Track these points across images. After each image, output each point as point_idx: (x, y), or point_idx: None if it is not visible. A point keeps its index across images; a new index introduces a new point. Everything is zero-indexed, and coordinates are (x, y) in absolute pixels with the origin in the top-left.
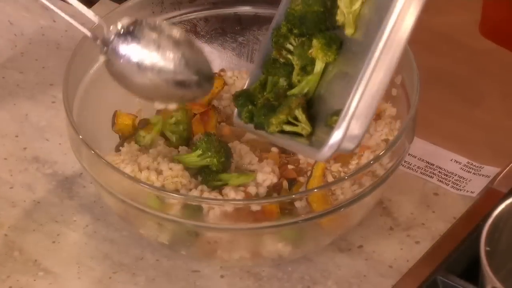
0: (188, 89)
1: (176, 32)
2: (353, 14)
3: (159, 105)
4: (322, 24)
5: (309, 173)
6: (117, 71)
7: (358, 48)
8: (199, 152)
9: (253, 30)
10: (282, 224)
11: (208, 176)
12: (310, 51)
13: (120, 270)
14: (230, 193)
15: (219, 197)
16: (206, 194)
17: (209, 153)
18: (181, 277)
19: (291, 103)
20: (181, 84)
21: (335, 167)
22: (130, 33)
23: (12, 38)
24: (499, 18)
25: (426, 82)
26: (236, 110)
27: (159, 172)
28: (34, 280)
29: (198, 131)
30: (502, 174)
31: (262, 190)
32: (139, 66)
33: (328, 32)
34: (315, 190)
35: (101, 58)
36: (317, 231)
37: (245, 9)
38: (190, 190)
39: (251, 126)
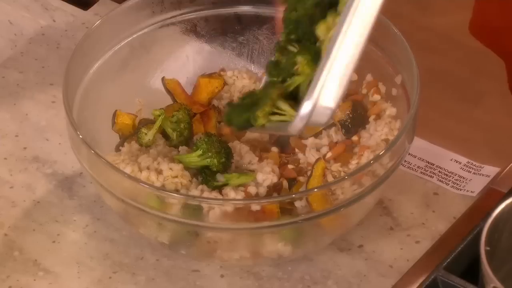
0: None
1: None
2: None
3: None
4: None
5: (309, 173)
6: None
7: None
8: (199, 152)
9: (253, 29)
10: (282, 224)
11: (209, 176)
12: (296, 67)
13: (120, 270)
14: (230, 193)
15: (219, 197)
16: (206, 194)
17: (210, 154)
18: (181, 277)
19: (271, 94)
20: None
21: (335, 167)
22: None
23: (12, 38)
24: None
25: (426, 82)
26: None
27: (159, 172)
28: (34, 280)
29: (198, 131)
30: (502, 174)
31: (262, 190)
32: None
33: (314, 45)
34: (315, 190)
35: None
36: (317, 231)
37: (245, 9)
38: (190, 190)
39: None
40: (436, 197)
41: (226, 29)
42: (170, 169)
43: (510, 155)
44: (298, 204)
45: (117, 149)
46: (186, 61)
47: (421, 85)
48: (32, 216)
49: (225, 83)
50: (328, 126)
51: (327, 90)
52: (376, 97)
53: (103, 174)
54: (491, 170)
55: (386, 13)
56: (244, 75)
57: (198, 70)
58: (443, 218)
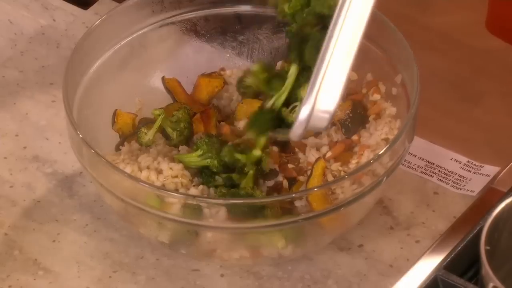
0: None
1: None
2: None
3: None
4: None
5: (309, 172)
6: None
7: None
8: (199, 152)
9: (253, 29)
10: (282, 223)
11: (209, 177)
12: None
13: (120, 269)
14: None
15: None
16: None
17: (210, 154)
18: (181, 276)
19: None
20: None
21: (335, 166)
22: None
23: (12, 37)
24: (507, 16)
25: (426, 82)
26: None
27: (159, 172)
28: (34, 279)
29: (198, 130)
30: (502, 173)
31: (263, 189)
32: None
33: None
34: (315, 189)
35: None
36: (317, 230)
37: (245, 8)
38: (190, 189)
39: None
40: (436, 197)
41: (226, 29)
42: (170, 168)
43: (510, 154)
44: (298, 203)
45: (117, 149)
46: (186, 60)
47: (421, 85)
48: (32, 216)
49: (225, 83)
50: None
51: (324, 93)
52: (376, 96)
53: (103, 174)
54: (491, 170)
55: (386, 12)
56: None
57: (198, 70)
58: (443, 217)
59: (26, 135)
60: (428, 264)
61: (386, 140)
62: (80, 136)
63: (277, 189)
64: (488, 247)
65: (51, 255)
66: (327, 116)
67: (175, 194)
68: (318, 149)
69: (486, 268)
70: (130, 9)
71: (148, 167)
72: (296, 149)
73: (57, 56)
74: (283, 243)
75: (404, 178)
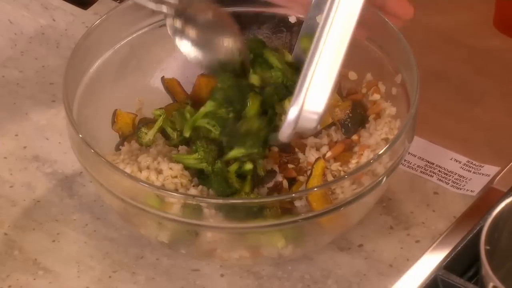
0: None
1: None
2: None
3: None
4: None
5: (309, 172)
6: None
7: None
8: (196, 155)
9: (252, 29)
10: (282, 223)
11: (205, 182)
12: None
13: (120, 269)
14: None
15: None
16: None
17: (207, 163)
18: (181, 276)
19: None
20: None
21: (335, 166)
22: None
23: (12, 37)
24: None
25: (426, 81)
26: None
27: (159, 172)
28: (34, 279)
29: None
30: (502, 173)
31: (263, 189)
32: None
33: None
34: (315, 189)
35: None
36: (317, 230)
37: (245, 8)
38: (190, 189)
39: None
40: (436, 196)
41: None
42: (170, 169)
43: (510, 154)
44: (298, 203)
45: (117, 149)
46: (186, 60)
47: (421, 85)
48: (32, 215)
49: None
50: (328, 125)
51: (313, 94)
52: (376, 96)
53: (103, 174)
54: (491, 170)
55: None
56: None
57: (198, 70)
58: (443, 217)
59: (26, 135)
60: (428, 264)
61: (386, 140)
62: (80, 136)
63: (277, 189)
64: (488, 247)
65: (51, 255)
66: (316, 117)
67: (175, 194)
68: (318, 149)
69: (486, 268)
70: (130, 9)
71: (148, 167)
72: (296, 149)
73: (57, 56)
74: (283, 243)
75: (404, 178)
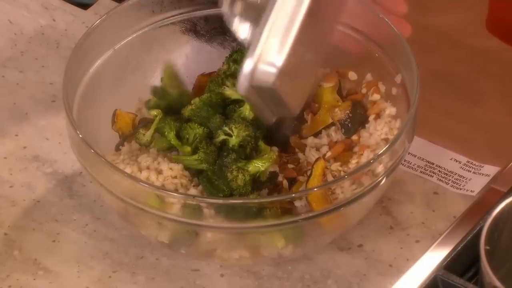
0: None
1: None
2: None
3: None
4: None
5: (309, 172)
6: None
7: None
8: (196, 157)
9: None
10: (282, 223)
11: (206, 183)
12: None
13: (120, 269)
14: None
15: None
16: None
17: (207, 164)
18: (181, 276)
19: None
20: None
21: (335, 166)
22: None
23: (12, 37)
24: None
25: (426, 81)
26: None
27: (159, 172)
28: (34, 279)
29: None
30: (502, 173)
31: (263, 190)
32: None
33: None
34: (315, 189)
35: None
36: (317, 230)
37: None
38: (190, 189)
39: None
40: (436, 197)
41: (226, 28)
42: (170, 169)
43: (510, 154)
44: (298, 203)
45: (117, 149)
46: (186, 60)
47: (421, 85)
48: (32, 215)
49: None
50: (328, 125)
51: (271, 46)
52: (376, 96)
53: (103, 174)
54: (491, 170)
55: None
56: None
57: (198, 70)
58: (443, 217)
59: (26, 135)
60: (428, 264)
61: (386, 140)
62: (80, 136)
63: (277, 189)
64: (488, 247)
65: (51, 255)
66: (274, 70)
67: (175, 194)
68: (318, 149)
69: (486, 268)
70: (130, 9)
71: (148, 168)
72: (296, 149)
73: (57, 56)
74: (283, 243)
75: (404, 178)
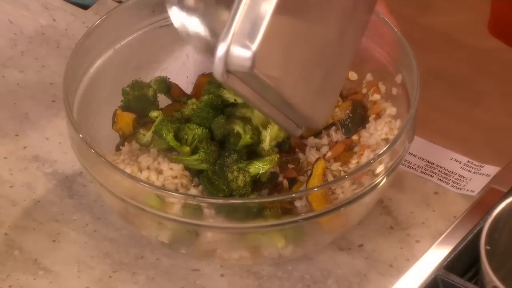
0: None
1: None
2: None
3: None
4: None
5: (309, 172)
6: None
7: None
8: (197, 157)
9: None
10: (282, 223)
11: (207, 183)
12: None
13: (120, 269)
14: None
15: None
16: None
17: (207, 164)
18: (181, 276)
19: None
20: None
21: (335, 166)
22: None
23: (12, 37)
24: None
25: (426, 81)
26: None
27: (159, 172)
28: (34, 279)
29: None
30: (502, 173)
31: (263, 190)
32: None
33: None
34: (315, 189)
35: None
36: (317, 230)
37: None
38: (190, 189)
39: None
40: (436, 197)
41: None
42: (171, 169)
43: (510, 154)
44: (298, 203)
45: (117, 149)
46: (186, 60)
47: (421, 85)
48: (32, 215)
49: None
50: (328, 125)
51: (244, 30)
52: (376, 96)
53: (103, 174)
54: (491, 170)
55: None
56: None
57: (198, 70)
58: (443, 217)
59: (26, 135)
60: (428, 264)
61: (386, 140)
62: (80, 136)
63: (277, 189)
64: (488, 247)
65: (51, 255)
66: (248, 54)
67: (175, 194)
68: (318, 149)
69: (486, 268)
70: (130, 9)
71: (148, 168)
72: (296, 149)
73: (57, 56)
74: (283, 243)
75: (404, 178)
